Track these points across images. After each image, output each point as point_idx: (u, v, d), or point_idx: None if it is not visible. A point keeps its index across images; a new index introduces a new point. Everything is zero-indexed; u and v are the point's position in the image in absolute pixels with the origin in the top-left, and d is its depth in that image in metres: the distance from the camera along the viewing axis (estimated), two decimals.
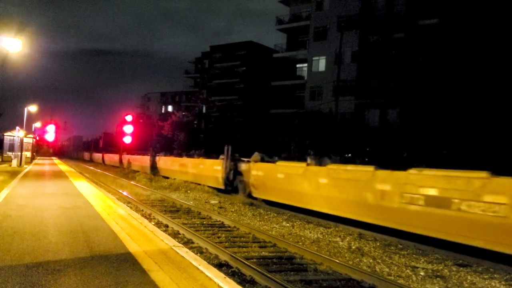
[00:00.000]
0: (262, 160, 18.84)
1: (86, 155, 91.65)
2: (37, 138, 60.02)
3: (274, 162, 17.91)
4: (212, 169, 22.54)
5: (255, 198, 17.99)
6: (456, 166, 10.51)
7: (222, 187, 21.12)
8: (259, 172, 17.85)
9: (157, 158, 34.55)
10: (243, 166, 19.58)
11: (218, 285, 4.93)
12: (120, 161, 48.40)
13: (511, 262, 8.42)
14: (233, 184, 20.29)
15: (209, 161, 23.91)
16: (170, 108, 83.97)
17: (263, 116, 48.26)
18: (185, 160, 28.32)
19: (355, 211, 12.18)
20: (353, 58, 38.96)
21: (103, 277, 5.05)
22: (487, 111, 23.79)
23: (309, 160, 15.31)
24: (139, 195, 19.45)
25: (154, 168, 34.29)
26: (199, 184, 24.18)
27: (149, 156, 36.16)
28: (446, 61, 28.32)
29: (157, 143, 58.07)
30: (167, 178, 29.52)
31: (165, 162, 32.56)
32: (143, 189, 22.48)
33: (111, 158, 57.25)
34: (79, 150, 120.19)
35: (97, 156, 72.25)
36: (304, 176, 14.65)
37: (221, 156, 21.64)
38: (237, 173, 20.02)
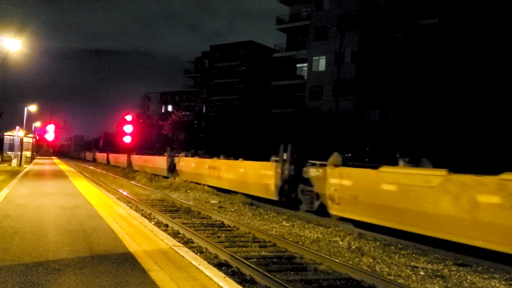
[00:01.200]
0: (345, 164, 13.73)
1: (89, 155, 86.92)
2: (37, 137, 60.01)
3: (374, 167, 12.24)
4: (259, 175, 17.96)
5: (329, 216, 13.53)
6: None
7: (274, 197, 16.48)
8: (345, 181, 12.94)
9: (176, 159, 29.77)
10: (312, 172, 14.81)
11: (218, 285, 4.93)
12: (129, 162, 43.74)
13: None
14: (290, 195, 15.82)
15: (254, 164, 18.94)
16: (170, 108, 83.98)
17: (263, 116, 48.28)
18: (217, 162, 23.02)
19: None
20: (353, 58, 38.98)
21: (103, 276, 5.05)
22: (488, 111, 23.80)
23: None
24: (139, 195, 19.45)
25: (172, 170, 29.72)
26: (236, 193, 19.20)
27: (165, 157, 31.41)
28: (446, 61, 28.33)
29: (157, 142, 58.11)
30: (192, 183, 25.01)
31: (187, 164, 27.66)
32: (143, 189, 22.48)
33: (117, 158, 52.05)
34: (80, 150, 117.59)
35: (101, 156, 67.29)
36: (443, 190, 9.83)
37: (273, 158, 17.03)
38: (301, 180, 15.32)
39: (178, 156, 29.72)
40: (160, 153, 42.84)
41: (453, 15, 29.76)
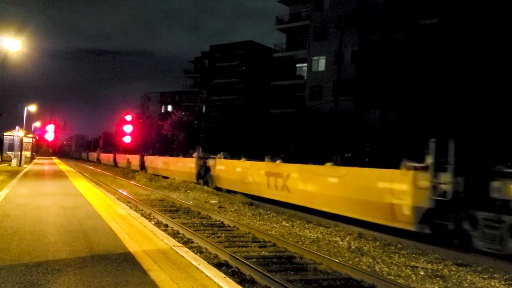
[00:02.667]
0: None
1: (92, 155, 79.63)
2: (37, 137, 59.97)
3: None
4: (374, 189, 12.03)
5: None
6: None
7: (410, 226, 10.86)
8: None
9: (210, 161, 23.67)
10: None
11: (218, 285, 4.93)
12: (141, 163, 37.50)
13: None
14: (447, 224, 10.12)
15: (362, 173, 13.02)
16: (170, 108, 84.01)
17: (263, 116, 48.29)
18: (283, 167, 16.95)
19: None
20: (353, 58, 39.00)
21: (103, 276, 5.05)
22: (488, 111, 23.80)
23: None
24: (139, 195, 19.45)
25: (203, 176, 24.00)
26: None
27: (193, 159, 25.46)
28: (446, 61, 28.34)
29: (157, 142, 58.11)
30: (236, 193, 19.54)
31: (229, 168, 21.57)
32: (143, 189, 22.47)
33: (127, 159, 44.47)
34: (82, 150, 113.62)
35: (106, 157, 60.09)
36: None
37: (406, 163, 11.27)
38: (479, 203, 9.71)
39: (213, 158, 23.52)
40: (161, 153, 39.62)
41: (453, 15, 29.76)
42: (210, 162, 23.63)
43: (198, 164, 24.58)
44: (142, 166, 37.26)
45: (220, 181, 22.37)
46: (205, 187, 22.55)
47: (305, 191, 15.20)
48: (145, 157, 37.66)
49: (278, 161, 17.89)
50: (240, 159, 21.33)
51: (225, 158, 22.82)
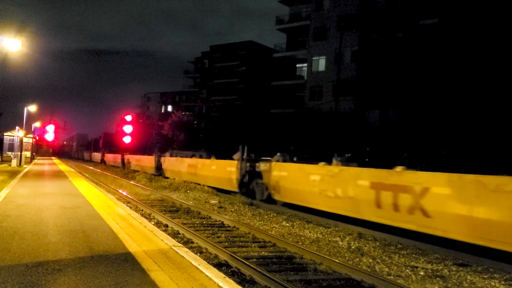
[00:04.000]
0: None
1: (95, 155, 74.03)
2: (37, 138, 59.98)
3: None
4: None
5: None
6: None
7: None
8: None
9: (261, 165, 18.13)
10: None
11: (218, 285, 4.93)
12: (158, 167, 31.99)
13: None
14: None
15: None
16: (170, 108, 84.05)
17: (263, 116, 48.33)
18: (414, 177, 10.78)
19: None
20: (353, 58, 39.02)
21: (103, 277, 5.06)
22: (487, 110, 23.80)
23: None
24: (139, 195, 19.45)
25: (247, 184, 18.79)
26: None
27: (234, 162, 19.92)
28: (446, 61, 28.34)
29: (157, 142, 58.16)
30: (305, 209, 14.91)
31: (299, 175, 15.54)
32: (142, 189, 22.46)
33: (138, 161, 39.54)
34: (84, 150, 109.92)
35: (112, 157, 54.73)
36: None
37: None
38: None
39: (267, 160, 18.13)
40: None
41: (453, 15, 29.77)
42: (262, 166, 18.10)
43: (241, 168, 19.15)
44: (159, 169, 31.78)
45: (280, 192, 16.64)
46: (205, 187, 22.44)
47: (468, 218, 9.32)
48: (163, 158, 31.71)
49: (399, 168, 11.48)
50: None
51: (284, 161, 17.30)
